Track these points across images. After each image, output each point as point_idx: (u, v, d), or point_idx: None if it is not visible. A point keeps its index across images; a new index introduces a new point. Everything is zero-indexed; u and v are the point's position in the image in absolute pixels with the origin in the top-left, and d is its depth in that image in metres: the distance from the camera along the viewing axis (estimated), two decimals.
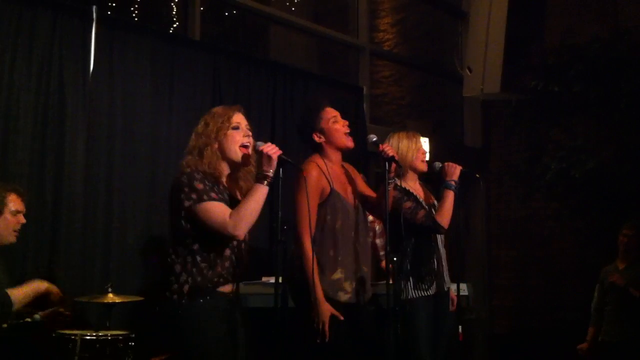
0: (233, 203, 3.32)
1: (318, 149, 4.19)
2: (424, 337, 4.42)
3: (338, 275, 4.02)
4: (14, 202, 4.03)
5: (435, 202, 4.69)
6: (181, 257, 3.31)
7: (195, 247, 3.29)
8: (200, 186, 3.26)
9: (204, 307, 3.26)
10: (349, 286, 4.05)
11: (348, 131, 4.17)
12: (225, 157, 3.40)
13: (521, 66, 8.16)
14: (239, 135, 3.41)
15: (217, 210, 3.24)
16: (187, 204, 3.24)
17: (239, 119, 3.45)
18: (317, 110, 4.18)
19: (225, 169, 3.42)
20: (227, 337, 3.31)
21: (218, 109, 3.51)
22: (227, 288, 3.36)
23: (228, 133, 3.39)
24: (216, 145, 3.38)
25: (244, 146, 3.41)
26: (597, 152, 7.89)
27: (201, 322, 3.24)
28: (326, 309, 3.86)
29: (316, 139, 4.17)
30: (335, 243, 4.04)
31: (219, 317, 3.29)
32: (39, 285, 3.96)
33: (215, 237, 3.28)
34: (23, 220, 4.09)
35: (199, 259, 3.29)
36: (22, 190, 4.17)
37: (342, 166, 4.26)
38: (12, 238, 4.05)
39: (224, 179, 3.41)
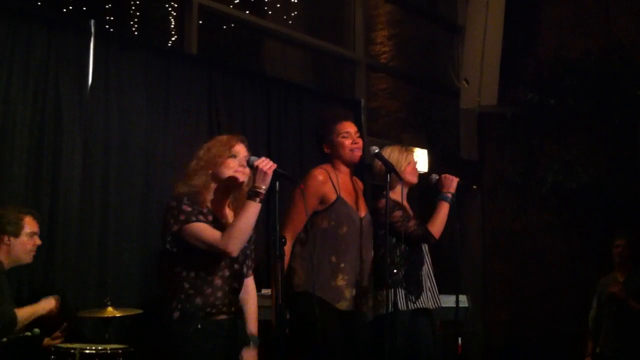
0: (219, 227, 3.28)
1: (328, 159, 4.26)
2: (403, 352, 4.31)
3: (340, 282, 4.05)
4: (29, 225, 4.10)
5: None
6: (171, 283, 3.29)
7: (184, 274, 3.27)
8: (188, 209, 3.24)
9: (194, 334, 3.23)
10: (349, 294, 4.07)
11: (355, 148, 4.22)
12: (217, 182, 3.37)
13: (516, 80, 8.21)
14: (234, 164, 3.37)
15: (207, 228, 3.23)
16: (175, 227, 3.22)
17: (239, 148, 3.42)
18: (333, 122, 4.23)
19: (212, 194, 3.38)
20: None
21: (222, 137, 3.50)
22: (221, 317, 3.33)
23: (225, 161, 3.37)
24: (210, 171, 3.36)
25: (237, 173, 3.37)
26: (590, 165, 7.92)
27: (191, 349, 3.22)
28: None
29: (325, 149, 4.23)
30: (338, 249, 4.07)
31: (210, 344, 3.26)
32: (43, 308, 3.98)
33: (205, 263, 3.26)
34: (39, 242, 4.16)
35: (186, 285, 3.26)
36: (37, 213, 4.24)
37: (352, 179, 4.30)
38: (28, 259, 4.13)
39: (209, 204, 3.36)
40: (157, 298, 5.06)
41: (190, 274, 3.27)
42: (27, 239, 4.07)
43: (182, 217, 3.22)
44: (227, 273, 3.34)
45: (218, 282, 3.30)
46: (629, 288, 6.03)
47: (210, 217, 3.30)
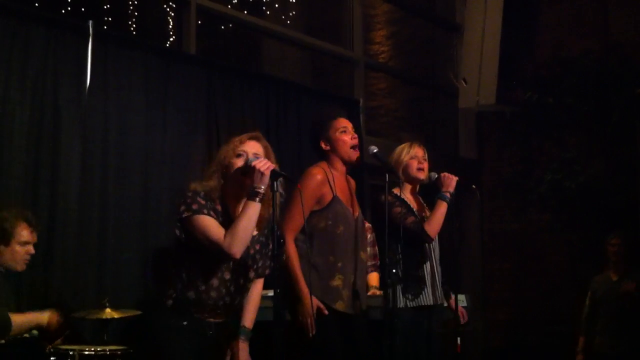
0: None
1: (325, 157, 4.23)
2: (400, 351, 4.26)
3: (337, 282, 4.04)
4: (22, 234, 4.03)
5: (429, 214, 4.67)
6: (172, 272, 3.32)
7: (185, 264, 3.30)
8: (202, 202, 3.26)
9: (181, 329, 3.25)
10: (346, 294, 4.06)
11: (355, 144, 4.21)
12: (228, 182, 3.36)
13: (515, 80, 8.21)
14: (241, 162, 3.35)
15: (214, 225, 3.23)
16: (186, 214, 3.23)
17: (247, 147, 3.38)
18: (329, 118, 4.23)
19: (228, 194, 3.38)
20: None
21: (234, 138, 3.48)
22: (212, 319, 3.34)
23: (232, 161, 3.35)
24: (224, 171, 3.36)
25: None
26: (588, 165, 7.93)
27: (174, 343, 3.25)
28: (309, 305, 3.90)
29: (323, 146, 4.23)
30: (335, 249, 4.07)
31: (192, 344, 3.27)
32: (42, 318, 3.93)
33: (206, 260, 3.27)
34: (32, 251, 4.09)
35: (184, 276, 3.29)
36: (34, 219, 4.16)
37: (347, 179, 4.30)
38: (19, 267, 4.06)
39: (227, 204, 3.37)
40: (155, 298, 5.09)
41: (191, 267, 3.28)
42: (19, 247, 4.01)
43: (194, 207, 3.23)
44: (226, 276, 3.32)
45: (215, 282, 3.30)
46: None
47: (221, 219, 3.30)
